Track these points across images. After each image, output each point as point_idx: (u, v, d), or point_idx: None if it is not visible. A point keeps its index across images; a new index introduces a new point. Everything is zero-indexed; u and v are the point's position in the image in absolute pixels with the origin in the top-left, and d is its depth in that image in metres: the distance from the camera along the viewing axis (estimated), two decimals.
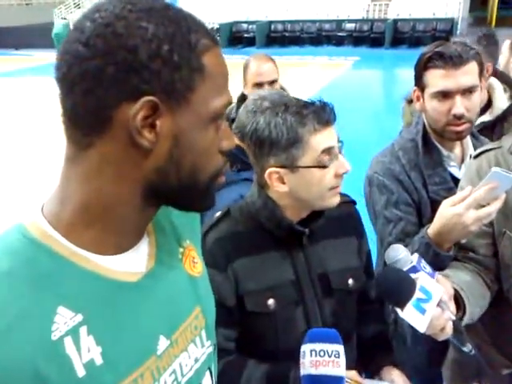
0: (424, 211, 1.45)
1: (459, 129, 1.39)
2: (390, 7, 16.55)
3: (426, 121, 1.49)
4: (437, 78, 1.37)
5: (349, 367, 1.10)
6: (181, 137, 0.58)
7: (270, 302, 1.12)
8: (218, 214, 1.19)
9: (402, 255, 1.01)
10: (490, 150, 1.27)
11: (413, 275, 0.99)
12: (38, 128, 7.88)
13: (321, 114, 1.07)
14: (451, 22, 14.84)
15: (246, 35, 16.82)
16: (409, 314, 0.95)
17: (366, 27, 16.18)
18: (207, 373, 0.75)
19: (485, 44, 2.10)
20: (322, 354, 0.97)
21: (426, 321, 0.95)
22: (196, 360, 0.71)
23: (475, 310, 1.16)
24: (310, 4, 16.89)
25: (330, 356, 0.97)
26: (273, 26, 17.11)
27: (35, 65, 14.40)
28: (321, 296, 1.16)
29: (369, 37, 15.94)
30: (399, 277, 0.99)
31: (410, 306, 0.96)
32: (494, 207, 1.13)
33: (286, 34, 16.81)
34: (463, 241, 1.26)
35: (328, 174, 1.08)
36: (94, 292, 0.58)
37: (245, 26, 17.08)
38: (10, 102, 10.14)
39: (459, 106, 1.36)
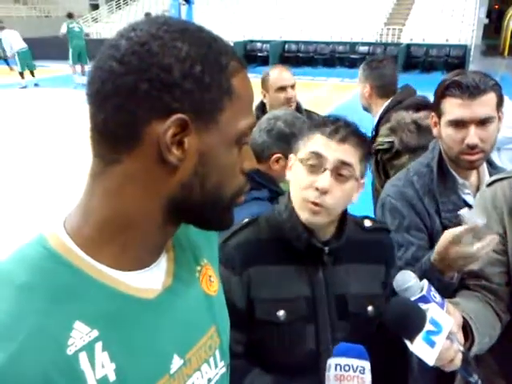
0: (436, 237, 1.43)
1: (472, 158, 1.39)
2: (403, 32, 16.69)
3: (441, 147, 1.48)
4: (453, 107, 1.38)
5: None
6: (206, 155, 0.59)
7: (281, 313, 1.12)
8: (246, 220, 1.21)
9: (411, 282, 0.98)
10: (504, 178, 1.27)
11: (423, 305, 0.96)
12: (53, 138, 7.95)
13: (339, 126, 1.11)
14: (464, 49, 14.89)
15: (259, 54, 16.96)
16: (418, 347, 0.93)
17: (379, 50, 16.26)
18: None
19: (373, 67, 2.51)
20: (346, 368, 0.97)
21: (435, 354, 0.93)
22: (209, 380, 0.71)
23: (484, 339, 1.13)
24: (323, 26, 17.07)
25: (355, 371, 0.97)
26: (287, 46, 17.25)
27: (51, 76, 14.63)
28: (335, 317, 1.15)
29: None
30: (410, 309, 0.96)
31: (419, 338, 0.93)
32: (485, 242, 1.14)
33: (300, 55, 16.94)
34: (475, 268, 1.24)
35: (306, 179, 1.10)
36: (111, 308, 0.58)
37: (259, 45, 17.24)
38: (26, 112, 10.27)
39: (473, 136, 1.36)
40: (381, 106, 2.42)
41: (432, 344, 0.93)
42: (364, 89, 2.48)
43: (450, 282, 1.24)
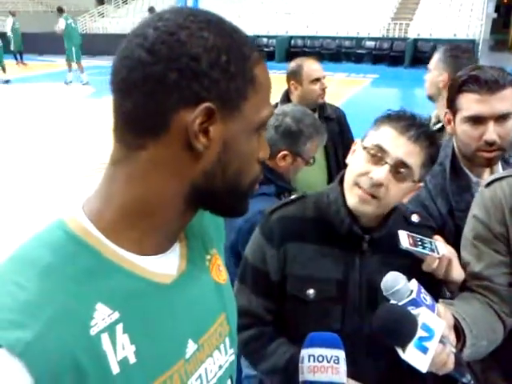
0: (448, 237, 1.40)
1: (489, 155, 1.36)
2: (410, 26, 16.55)
3: (455, 145, 1.45)
4: (470, 103, 1.34)
5: (367, 382, 1.11)
6: (230, 142, 0.61)
7: (311, 291, 1.14)
8: (293, 196, 1.23)
9: (400, 285, 0.95)
10: (503, 178, 1.23)
11: (413, 310, 0.93)
12: (59, 132, 7.97)
13: (413, 125, 1.10)
14: (472, 44, 14.71)
15: (266, 49, 16.89)
16: (410, 355, 0.90)
17: (385, 45, 16.16)
18: (229, 381, 0.76)
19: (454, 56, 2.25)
20: (320, 359, 0.95)
21: (428, 360, 0.90)
22: (220, 367, 0.72)
23: (481, 342, 1.10)
24: (330, 20, 16.98)
25: (328, 362, 0.95)
26: (293, 41, 17.18)
27: (57, 70, 14.65)
28: (365, 304, 1.15)
29: (388, 55, 15.91)
30: (400, 316, 0.93)
31: (411, 346, 0.90)
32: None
33: (306, 50, 16.77)
34: (477, 269, 1.21)
35: (363, 166, 1.10)
36: (131, 291, 0.59)
37: (265, 40, 17.19)
38: (33, 106, 10.30)
39: (492, 132, 1.32)
40: None
41: (425, 350, 0.90)
42: (439, 76, 2.24)
43: (451, 298, 1.21)
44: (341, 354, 0.96)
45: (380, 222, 1.17)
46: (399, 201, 1.14)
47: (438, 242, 1.14)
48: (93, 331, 0.54)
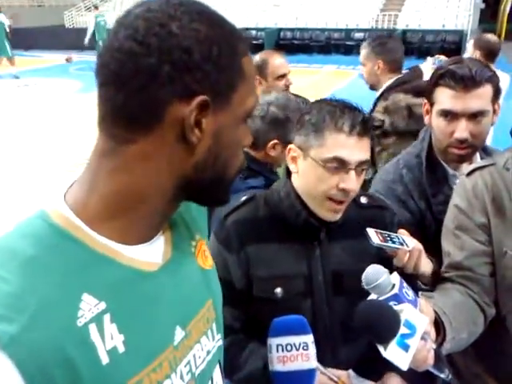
0: (428, 232, 1.39)
1: (461, 153, 1.35)
2: (399, 17, 16.56)
3: (432, 136, 1.44)
4: (445, 97, 1.33)
5: (347, 368, 1.10)
6: (220, 134, 0.61)
7: (278, 290, 1.13)
8: (244, 198, 1.21)
9: (382, 278, 0.93)
10: (483, 167, 1.21)
11: (396, 306, 0.91)
12: (45, 126, 7.90)
13: (355, 119, 1.07)
14: (460, 34, 14.79)
15: (254, 42, 16.80)
16: (392, 354, 0.88)
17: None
18: (217, 366, 0.77)
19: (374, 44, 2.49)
20: (289, 348, 0.93)
21: (409, 357, 0.88)
22: (208, 352, 0.73)
23: (461, 335, 1.09)
24: (319, 12, 16.93)
25: (297, 349, 0.93)
26: (282, 34, 17.12)
27: (44, 66, 14.49)
28: (331, 293, 1.15)
29: None
30: (383, 313, 0.90)
31: (393, 344, 0.88)
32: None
33: (295, 42, 16.81)
34: (458, 259, 1.20)
35: (329, 180, 1.08)
36: (116, 280, 0.59)
37: (254, 32, 17.11)
38: (19, 102, 10.19)
39: (463, 129, 1.31)
40: (388, 80, 2.44)
41: (406, 348, 0.88)
42: (375, 65, 2.46)
43: (425, 288, 1.20)
44: (309, 338, 0.94)
45: None
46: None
47: (404, 235, 1.14)
48: (80, 322, 0.53)
